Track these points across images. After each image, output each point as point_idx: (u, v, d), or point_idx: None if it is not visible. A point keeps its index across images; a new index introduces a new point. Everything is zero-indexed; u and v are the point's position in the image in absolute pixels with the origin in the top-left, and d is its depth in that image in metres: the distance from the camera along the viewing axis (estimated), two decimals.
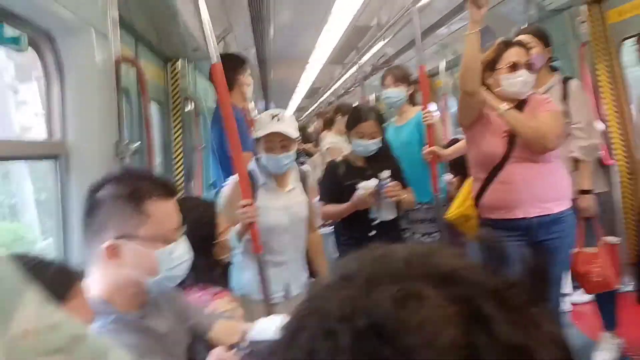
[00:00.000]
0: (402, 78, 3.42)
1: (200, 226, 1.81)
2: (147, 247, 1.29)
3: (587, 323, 3.28)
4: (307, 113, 14.36)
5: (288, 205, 2.42)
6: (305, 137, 9.76)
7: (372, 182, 2.64)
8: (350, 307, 0.42)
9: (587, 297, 3.41)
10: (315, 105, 11.80)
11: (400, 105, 3.46)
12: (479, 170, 2.50)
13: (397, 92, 3.42)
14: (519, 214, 2.39)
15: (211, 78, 2.41)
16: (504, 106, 2.36)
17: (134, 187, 1.30)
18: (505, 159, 2.40)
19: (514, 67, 2.37)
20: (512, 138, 2.40)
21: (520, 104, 2.43)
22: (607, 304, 2.96)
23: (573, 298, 3.51)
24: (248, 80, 3.12)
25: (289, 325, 0.45)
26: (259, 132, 2.34)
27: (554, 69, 3.05)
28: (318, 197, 2.98)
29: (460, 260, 0.47)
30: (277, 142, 2.32)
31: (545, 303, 0.46)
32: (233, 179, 2.34)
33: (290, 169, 2.46)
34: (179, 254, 1.36)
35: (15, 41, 1.56)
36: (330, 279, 0.47)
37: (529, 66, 2.39)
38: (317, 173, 6.40)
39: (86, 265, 1.34)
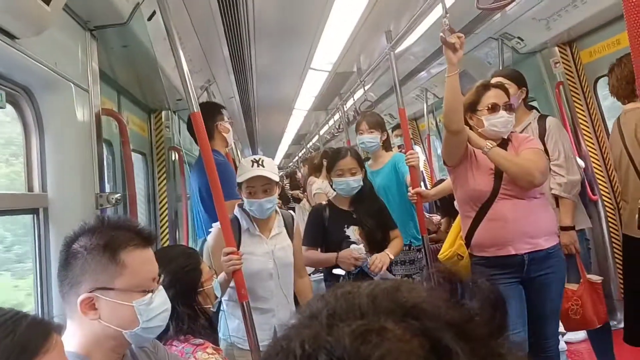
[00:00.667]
0: (376, 124, 3.50)
1: (183, 275, 1.79)
2: (123, 298, 1.27)
3: None
4: (294, 159, 14.45)
5: (273, 250, 2.40)
6: (293, 183, 9.81)
7: (362, 250, 2.64)
8: (313, 345, 0.41)
9: (582, 336, 3.38)
10: (302, 151, 11.89)
11: (374, 151, 3.52)
12: (468, 209, 2.51)
13: (371, 138, 3.49)
14: (511, 250, 2.40)
15: (190, 127, 2.43)
16: (489, 144, 2.40)
17: (109, 237, 1.28)
18: (493, 196, 2.43)
19: (494, 108, 2.44)
20: (498, 175, 2.43)
21: (503, 143, 2.48)
22: (601, 341, 2.93)
23: (567, 337, 3.47)
24: (227, 126, 3.15)
25: None
26: (240, 178, 2.36)
27: (530, 108, 3.12)
28: None
29: (424, 294, 0.47)
30: (258, 186, 2.33)
31: (506, 335, 0.45)
32: (216, 226, 2.33)
33: (274, 214, 2.45)
34: (157, 304, 1.33)
35: None
36: (296, 319, 0.47)
37: (508, 107, 2.46)
38: (306, 217, 6.40)
39: (65, 319, 1.31)
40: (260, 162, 2.36)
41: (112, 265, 1.26)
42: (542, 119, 2.98)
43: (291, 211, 2.96)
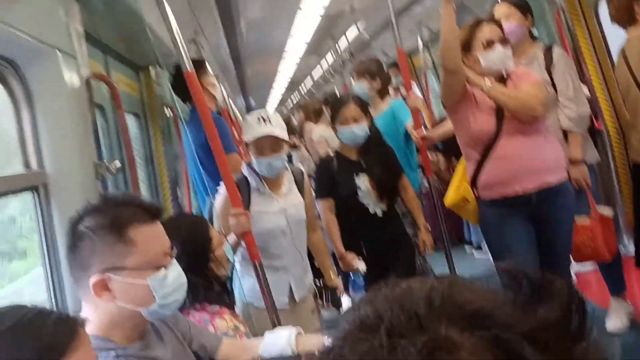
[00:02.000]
0: (364, 71, 3.39)
1: (193, 245, 1.75)
2: (137, 276, 1.23)
3: (594, 291, 3.27)
4: (288, 106, 14.27)
5: (284, 207, 2.36)
6: (289, 130, 9.71)
7: (362, 269, 2.67)
8: None
9: (590, 266, 3.40)
10: (296, 97, 11.72)
11: (367, 99, 3.43)
12: (472, 150, 2.46)
13: (359, 86, 3.40)
14: (518, 189, 2.37)
15: (176, 86, 2.34)
16: (488, 82, 2.33)
17: (113, 215, 1.22)
18: (496, 135, 2.38)
19: (489, 44, 2.36)
20: (500, 113, 2.37)
21: (502, 81, 2.41)
22: (611, 268, 2.95)
23: (576, 268, 3.49)
24: (212, 81, 3.04)
25: None
26: (247, 137, 2.28)
27: (535, 39, 3.01)
28: (313, 193, 2.94)
29: (483, 295, 0.42)
30: (267, 145, 2.25)
31: (587, 340, 0.41)
32: (223, 188, 2.27)
33: (284, 172, 2.40)
34: (172, 279, 1.29)
35: None
36: (346, 329, 0.42)
37: (503, 41, 2.38)
38: (306, 167, 6.36)
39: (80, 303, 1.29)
40: (267, 119, 2.26)
41: (121, 244, 1.21)
42: (548, 50, 2.89)
43: (300, 167, 2.92)
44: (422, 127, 3.12)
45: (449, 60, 2.30)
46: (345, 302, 2.55)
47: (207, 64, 3.07)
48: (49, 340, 0.88)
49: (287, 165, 2.41)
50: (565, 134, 2.79)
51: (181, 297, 1.34)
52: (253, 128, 2.25)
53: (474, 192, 2.53)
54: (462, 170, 2.65)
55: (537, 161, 2.37)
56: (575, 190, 2.69)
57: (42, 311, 0.93)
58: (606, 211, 2.82)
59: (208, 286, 1.77)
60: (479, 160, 2.43)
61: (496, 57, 2.36)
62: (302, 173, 2.51)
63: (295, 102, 12.56)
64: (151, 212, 1.28)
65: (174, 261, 1.32)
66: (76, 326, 0.93)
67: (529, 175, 2.36)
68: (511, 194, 2.38)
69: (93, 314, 1.24)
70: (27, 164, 1.77)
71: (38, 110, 1.77)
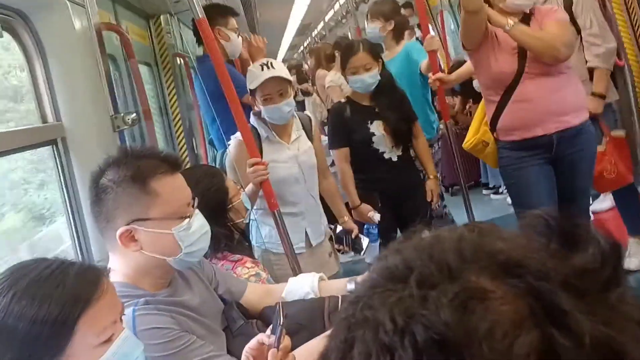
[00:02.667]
0: (377, 13, 3.29)
1: (210, 195, 1.76)
2: (162, 227, 1.26)
3: (612, 231, 3.26)
4: (299, 50, 14.02)
5: (296, 155, 2.36)
6: (300, 76, 9.56)
7: (377, 217, 2.69)
8: (406, 319, 0.36)
9: (607, 204, 3.38)
10: (307, 41, 11.48)
11: (379, 41, 3.34)
12: (492, 93, 2.42)
13: (372, 28, 3.30)
14: (539, 131, 2.34)
15: (195, 32, 2.28)
16: (511, 21, 2.25)
17: (135, 167, 1.25)
18: (518, 76, 2.32)
19: None
20: (522, 54, 2.31)
21: (525, 18, 2.33)
22: (628, 207, 2.94)
23: (593, 207, 3.48)
24: (227, 34, 2.94)
25: (338, 334, 0.41)
26: (253, 84, 2.26)
27: None
28: (325, 138, 2.93)
29: (515, 243, 0.41)
30: (274, 91, 2.24)
31: (623, 285, 0.40)
32: (236, 138, 2.27)
33: (291, 119, 2.38)
34: (196, 228, 1.32)
35: None
36: (374, 279, 0.42)
37: None
38: (318, 114, 6.31)
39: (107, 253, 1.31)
40: (270, 64, 2.25)
41: (144, 196, 1.24)
42: None
43: (307, 112, 2.89)
44: (439, 69, 3.05)
45: (470, 1, 2.22)
46: (364, 243, 2.57)
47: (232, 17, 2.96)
48: (72, 291, 0.89)
49: (294, 112, 2.39)
50: (590, 72, 2.72)
51: (205, 246, 1.36)
52: (257, 75, 2.24)
53: (493, 135, 2.50)
54: (482, 113, 2.61)
55: (559, 103, 2.32)
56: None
57: (64, 263, 0.94)
58: (618, 132, 2.79)
59: (228, 235, 1.80)
60: (500, 103, 2.39)
61: None
62: (309, 119, 2.50)
63: (305, 47, 12.32)
64: (171, 164, 1.30)
65: (197, 211, 1.34)
66: (99, 276, 0.94)
67: (551, 117, 2.32)
68: (532, 137, 2.35)
69: (121, 264, 1.27)
70: (44, 118, 1.77)
71: (51, 63, 1.75)
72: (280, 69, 2.27)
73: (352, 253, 2.79)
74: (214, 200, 1.77)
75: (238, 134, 2.20)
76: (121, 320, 0.97)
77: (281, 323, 0.93)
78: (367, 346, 0.37)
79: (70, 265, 0.93)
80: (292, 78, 10.01)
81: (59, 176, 1.77)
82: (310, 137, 2.45)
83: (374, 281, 0.41)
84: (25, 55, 1.72)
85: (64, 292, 0.89)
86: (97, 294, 0.91)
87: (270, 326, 1.00)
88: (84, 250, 1.78)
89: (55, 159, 1.77)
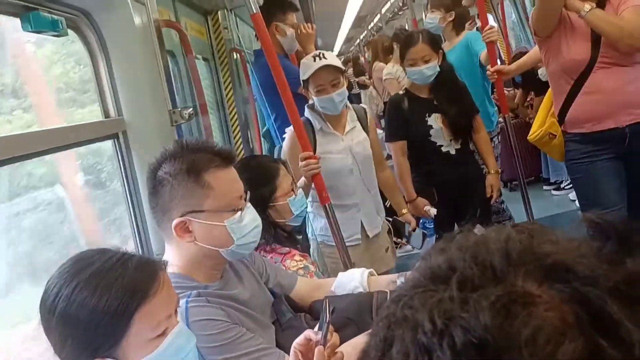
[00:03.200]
0: (438, 4, 3.23)
1: (254, 187, 1.76)
2: (215, 219, 1.29)
3: None
4: (355, 43, 13.95)
5: (350, 146, 2.36)
6: (357, 69, 9.52)
7: (433, 211, 2.64)
8: (445, 321, 0.35)
9: None
10: (364, 34, 11.40)
11: (438, 32, 3.27)
12: (563, 83, 2.31)
13: (432, 19, 3.24)
14: (611, 123, 2.24)
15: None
16: (587, 6, 2.14)
17: (190, 161, 1.28)
18: (590, 65, 2.22)
19: None
20: (596, 41, 2.20)
21: (601, 3, 2.21)
22: None
23: None
24: (284, 29, 2.94)
25: (378, 332, 0.40)
26: (305, 74, 2.28)
27: None
28: (381, 131, 2.90)
29: (566, 246, 0.39)
30: (326, 82, 2.24)
31: None
32: (289, 131, 2.28)
33: (345, 110, 2.38)
34: (248, 221, 1.34)
35: (53, 26, 1.52)
36: (416, 279, 0.41)
37: None
38: (374, 106, 6.25)
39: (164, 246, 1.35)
40: (322, 55, 2.27)
41: (199, 188, 1.27)
42: None
43: (363, 105, 2.87)
44: (498, 60, 2.96)
45: None
46: (420, 238, 2.54)
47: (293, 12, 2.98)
48: (131, 284, 0.92)
49: (348, 103, 2.39)
50: None
51: (257, 238, 1.38)
52: (310, 66, 2.26)
53: (561, 127, 2.40)
54: (549, 103, 2.50)
55: (633, 94, 2.20)
56: None
57: (125, 255, 0.97)
58: None
59: (266, 229, 1.80)
60: (570, 93, 2.29)
61: None
62: (364, 110, 2.49)
63: (362, 39, 12.23)
64: (225, 157, 1.33)
65: (249, 204, 1.36)
66: (157, 270, 0.96)
67: (624, 109, 2.21)
68: (603, 129, 2.24)
69: (176, 255, 1.31)
70: (106, 113, 1.84)
71: (113, 59, 1.82)
72: (332, 59, 2.28)
73: (410, 247, 2.77)
74: (255, 193, 1.77)
75: (291, 128, 2.22)
76: (176, 313, 1.00)
77: (328, 320, 0.92)
78: (406, 346, 0.37)
79: (130, 257, 0.96)
80: (349, 71, 10.01)
81: (120, 169, 1.84)
82: (365, 128, 2.44)
83: (416, 280, 0.41)
84: (89, 52, 1.79)
85: (123, 284, 0.91)
86: (155, 288, 0.94)
87: (318, 323, 0.99)
88: (144, 242, 1.85)
89: (117, 152, 1.84)
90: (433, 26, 3.28)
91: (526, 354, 0.33)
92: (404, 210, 2.58)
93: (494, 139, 3.28)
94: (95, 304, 0.90)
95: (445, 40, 3.38)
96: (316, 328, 1.00)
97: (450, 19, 3.26)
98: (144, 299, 0.92)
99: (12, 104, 1.64)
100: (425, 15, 3.39)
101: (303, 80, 2.31)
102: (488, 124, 3.17)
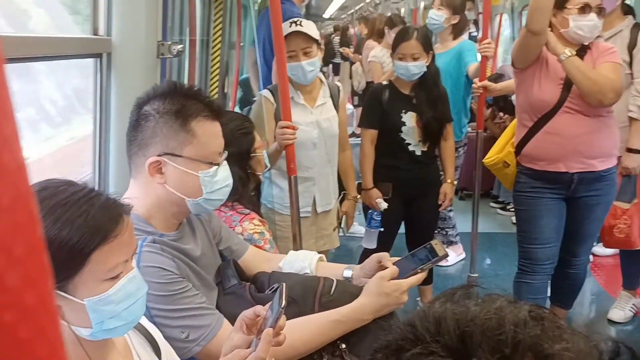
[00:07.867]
0: (449, 3, 3.22)
1: (239, 136, 1.80)
2: (190, 167, 1.29)
3: (605, 277, 3.29)
4: (349, 12, 13.74)
5: (318, 120, 2.37)
6: (344, 39, 9.42)
7: (383, 207, 2.69)
8: None
9: (610, 251, 3.39)
10: (360, 5, 11.24)
11: (440, 32, 3.28)
12: (526, 117, 2.40)
13: (437, 16, 3.23)
14: (562, 167, 2.34)
15: None
16: (568, 52, 2.21)
17: (181, 104, 1.27)
18: (556, 108, 2.30)
19: (584, 9, 2.22)
20: (567, 86, 2.27)
21: (581, 50, 2.29)
22: (630, 265, 2.94)
23: (595, 249, 3.49)
24: None
25: None
26: None
27: (627, 12, 2.82)
28: (351, 106, 2.91)
29: (576, 346, 0.40)
30: (298, 49, 2.23)
31: None
32: (263, 94, 2.28)
33: (319, 83, 2.38)
34: (221, 178, 1.35)
35: None
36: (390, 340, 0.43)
37: (599, 11, 2.24)
38: (356, 82, 6.22)
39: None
40: (298, 22, 2.25)
41: (183, 133, 1.27)
42: (635, 27, 2.71)
43: (337, 82, 2.87)
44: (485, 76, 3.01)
45: (536, 21, 2.18)
46: (374, 237, 2.62)
47: None
48: (94, 223, 0.90)
49: (323, 78, 2.38)
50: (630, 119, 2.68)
51: (224, 197, 1.39)
52: (284, 30, 2.21)
53: (516, 158, 2.49)
54: (510, 133, 2.59)
55: (588, 145, 2.30)
56: (624, 176, 2.63)
57: (92, 192, 0.94)
58: None
59: (245, 182, 1.82)
60: (531, 129, 2.37)
61: (587, 25, 2.22)
62: (338, 89, 2.50)
63: (356, 10, 12.07)
64: (214, 111, 1.33)
65: (225, 162, 1.36)
66: (122, 213, 0.95)
67: (577, 157, 2.31)
68: (553, 171, 2.35)
69: (140, 194, 1.30)
70: (95, 31, 1.77)
71: None
72: (309, 28, 2.26)
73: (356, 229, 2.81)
74: (240, 142, 1.80)
75: (265, 91, 2.20)
76: (132, 259, 0.99)
77: (283, 306, 0.95)
78: None
79: (98, 195, 0.94)
80: (336, 39, 9.88)
81: (96, 92, 1.78)
82: (336, 106, 2.45)
83: (388, 342, 0.42)
84: None
85: (86, 220, 0.89)
86: (117, 231, 0.92)
87: (270, 303, 1.01)
88: (102, 168, 1.81)
89: (97, 73, 1.77)
90: (436, 23, 3.27)
91: None
92: (350, 198, 2.63)
93: (459, 149, 3.36)
94: (55, 235, 0.88)
95: (438, 41, 3.39)
96: (267, 306, 1.02)
97: (454, 21, 3.26)
98: (105, 239, 0.91)
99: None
100: (424, 7, 3.36)
101: None
102: (457, 134, 3.24)
